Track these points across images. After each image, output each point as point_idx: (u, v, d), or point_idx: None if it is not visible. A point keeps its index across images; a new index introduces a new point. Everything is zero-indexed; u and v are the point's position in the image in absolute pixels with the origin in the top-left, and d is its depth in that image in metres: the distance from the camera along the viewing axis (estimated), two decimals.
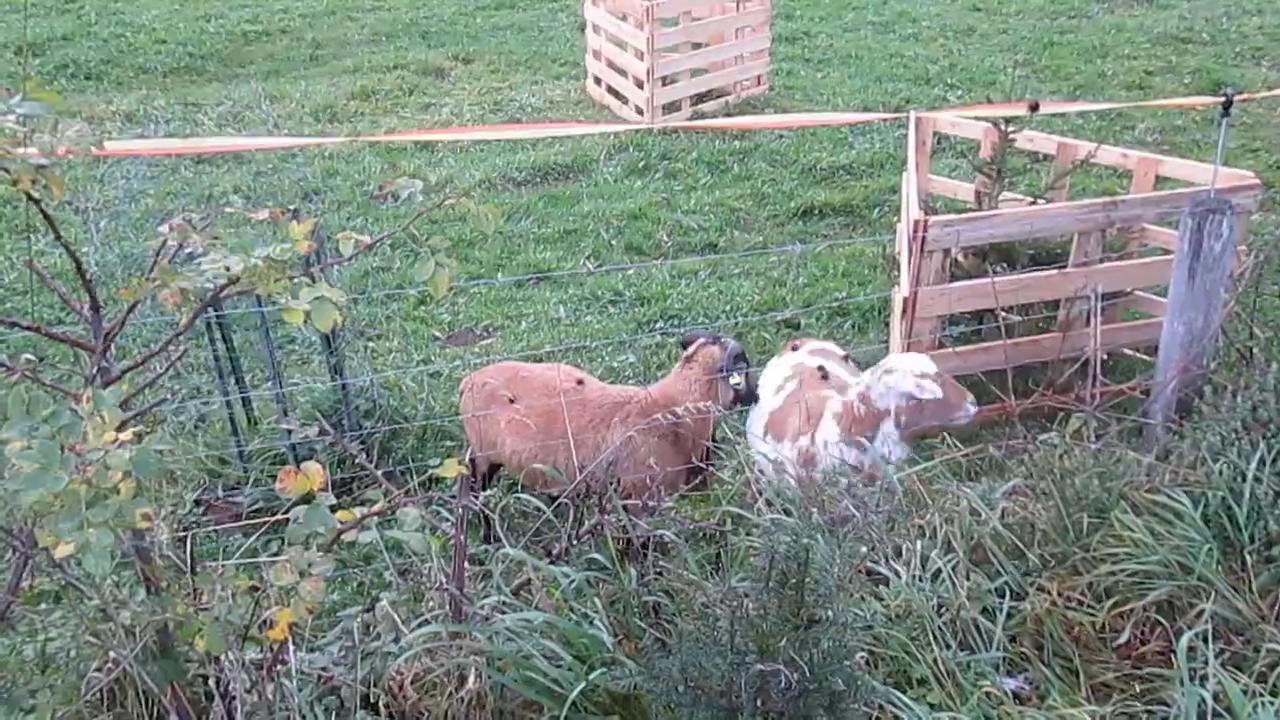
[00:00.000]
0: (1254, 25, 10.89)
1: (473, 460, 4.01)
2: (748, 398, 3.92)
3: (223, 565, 2.50)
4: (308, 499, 2.05)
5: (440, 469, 2.12)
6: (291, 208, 4.47)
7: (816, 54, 10.68)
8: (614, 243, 7.07)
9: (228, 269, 1.86)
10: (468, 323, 6.27)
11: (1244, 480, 2.90)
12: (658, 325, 6.04)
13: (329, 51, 11.45)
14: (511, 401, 4.00)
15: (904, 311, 4.74)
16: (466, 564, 2.72)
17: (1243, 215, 4.78)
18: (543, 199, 7.73)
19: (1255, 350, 3.33)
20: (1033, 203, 5.17)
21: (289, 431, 4.75)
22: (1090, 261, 4.77)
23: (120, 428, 1.70)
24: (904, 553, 2.87)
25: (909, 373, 3.55)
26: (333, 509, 2.02)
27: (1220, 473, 2.94)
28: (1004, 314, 5.12)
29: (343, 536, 2.19)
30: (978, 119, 5.60)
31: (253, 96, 9.75)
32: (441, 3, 13.20)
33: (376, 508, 2.05)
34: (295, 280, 1.91)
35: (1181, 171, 5.15)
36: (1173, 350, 3.32)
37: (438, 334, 6.16)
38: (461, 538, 2.42)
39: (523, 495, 3.26)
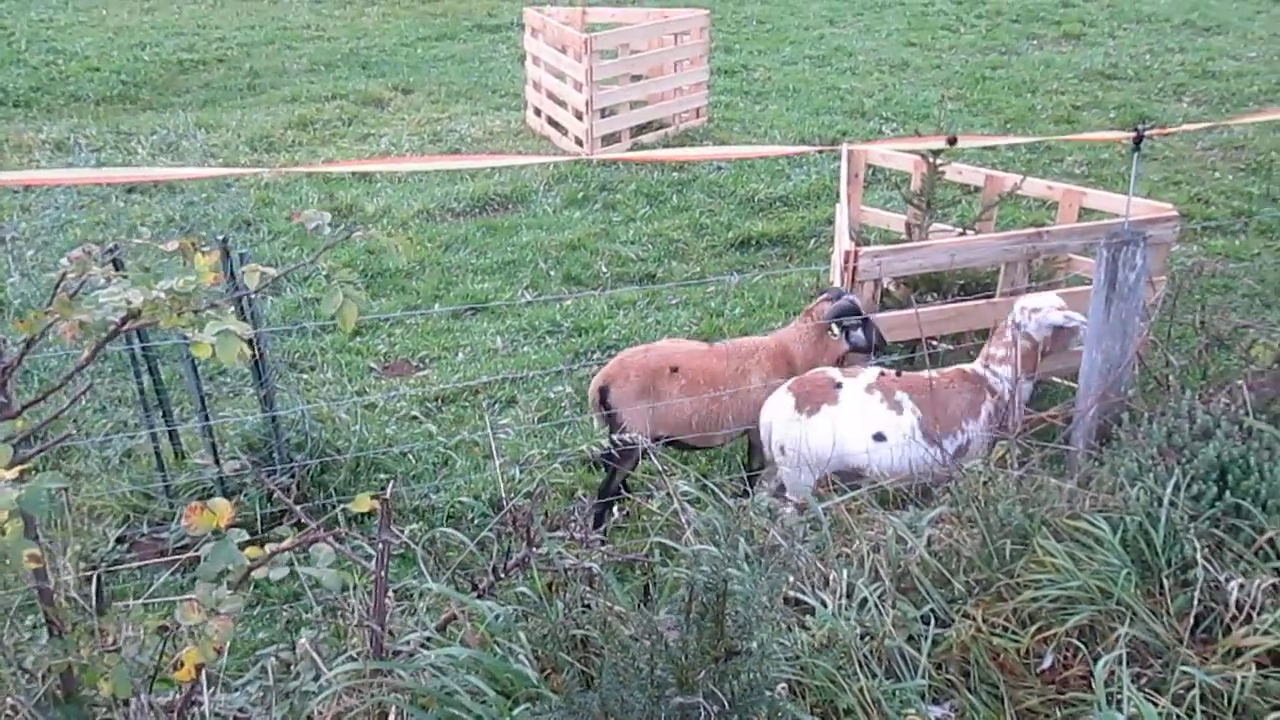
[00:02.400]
0: (1176, 62, 11.25)
1: (626, 447, 4.32)
2: (868, 348, 4.37)
3: (130, 605, 2.42)
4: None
5: (354, 504, 2.08)
6: (220, 238, 4.43)
7: (755, 87, 10.83)
8: (552, 273, 7.07)
9: (129, 302, 1.82)
10: (404, 354, 6.21)
11: (1160, 505, 2.96)
12: (594, 356, 6.03)
13: (267, 81, 11.37)
14: (674, 371, 4.41)
15: None
16: (392, 599, 2.67)
17: (1162, 246, 4.92)
18: (481, 229, 7.71)
19: (1171, 378, 3.41)
20: (961, 234, 5.26)
21: (217, 465, 4.67)
22: (1017, 291, 4.86)
23: (11, 465, 1.65)
24: (831, 582, 2.88)
25: (1053, 308, 4.03)
26: (246, 544, 1.98)
27: (1137, 498, 2.99)
28: (936, 343, 5.19)
29: (273, 573, 2.14)
30: (909, 151, 5.70)
31: (187, 125, 9.63)
32: (382, 33, 13.21)
33: (285, 544, 2.01)
34: (200, 314, 1.87)
35: (1104, 203, 5.29)
36: (1092, 378, 3.39)
37: (373, 365, 6.09)
38: (382, 573, 2.38)
39: (448, 530, 3.22)
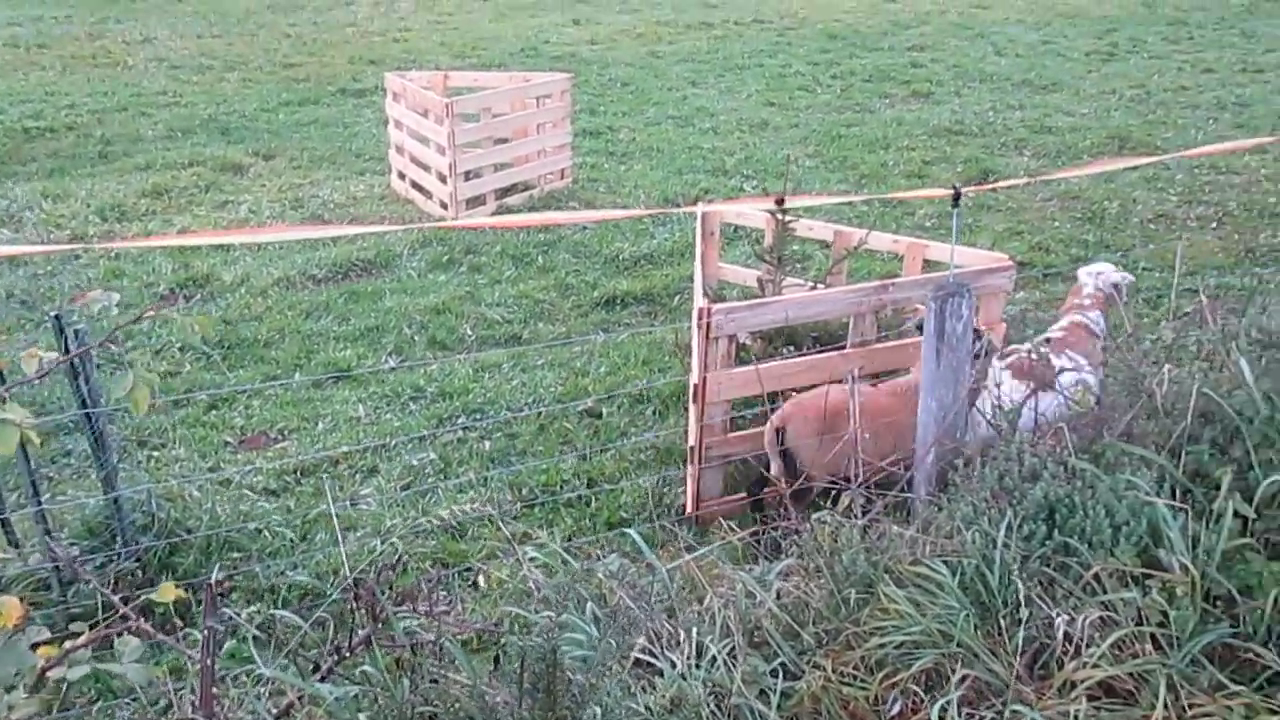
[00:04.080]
0: (1016, 119, 11.89)
1: (799, 485, 4.39)
2: (980, 355, 4.43)
3: None
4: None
5: (159, 593, 1.99)
6: (53, 314, 4.24)
7: (620, 147, 11.01)
8: (417, 338, 6.99)
9: None
10: (262, 426, 6.03)
11: (995, 547, 3.06)
12: (459, 421, 5.97)
13: (120, 148, 11.04)
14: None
15: (695, 396, 4.84)
16: (228, 686, 2.56)
17: (1000, 295, 5.15)
18: (344, 295, 7.59)
19: (1004, 423, 3.56)
20: (813, 288, 5.41)
21: (51, 553, 4.43)
22: (867, 341, 5.02)
23: None
24: (681, 641, 2.88)
25: (1111, 269, 5.34)
26: (47, 642, 1.87)
27: (973, 541, 3.09)
28: (794, 394, 5.31)
29: (71, 673, 2.02)
30: (755, 210, 5.86)
31: (32, 195, 9.26)
32: (242, 99, 13.00)
33: (82, 640, 1.91)
34: None
35: (946, 254, 5.51)
36: (929, 426, 3.52)
37: (229, 439, 5.90)
38: (209, 662, 2.28)
39: (284, 613, 3.11)
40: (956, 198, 3.51)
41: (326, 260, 8.09)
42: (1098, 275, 5.38)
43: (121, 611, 2.00)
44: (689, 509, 5.01)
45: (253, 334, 7.01)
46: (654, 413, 6.00)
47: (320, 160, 10.68)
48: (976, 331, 4.49)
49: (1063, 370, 4.39)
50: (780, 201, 4.04)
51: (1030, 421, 3.83)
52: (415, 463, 5.58)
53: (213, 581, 2.16)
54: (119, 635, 1.95)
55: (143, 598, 2.16)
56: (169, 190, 9.64)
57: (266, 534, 4.95)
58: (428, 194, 9.17)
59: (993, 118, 11.95)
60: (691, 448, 4.95)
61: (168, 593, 2.01)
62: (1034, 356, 4.46)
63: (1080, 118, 11.89)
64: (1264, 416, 3.24)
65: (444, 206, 8.90)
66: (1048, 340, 4.96)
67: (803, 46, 15.98)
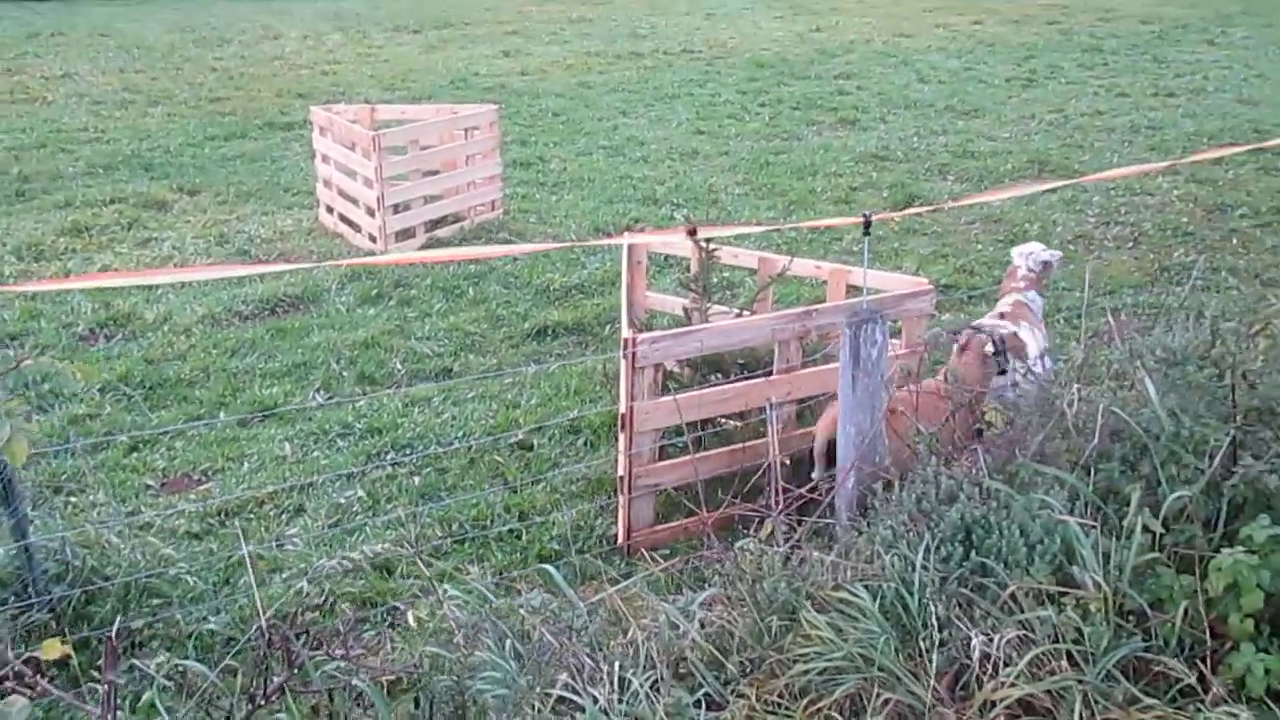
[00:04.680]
0: (940, 144, 12.14)
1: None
2: (1003, 369, 4.85)
3: None
4: None
5: (43, 650, 1.93)
6: None
7: (551, 178, 11.03)
8: (345, 373, 6.91)
9: None
10: (185, 467, 5.90)
11: (913, 569, 3.10)
12: (388, 456, 5.90)
13: (38, 186, 10.79)
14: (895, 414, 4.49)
15: (623, 426, 4.84)
16: None
17: (922, 318, 5.24)
18: (270, 332, 7.48)
19: (921, 445, 3.61)
20: (738, 315, 5.46)
21: None
22: (792, 368, 5.06)
23: None
24: (604, 675, 2.87)
25: (1040, 247, 5.73)
26: None
27: (893, 564, 3.13)
28: (726, 420, 5.34)
29: None
30: (679, 238, 5.89)
31: None
32: (167, 134, 12.81)
33: None
34: None
35: (870, 280, 5.59)
36: (848, 451, 3.55)
37: (150, 482, 5.76)
38: (110, 718, 2.21)
39: (191, 663, 3.03)
40: (867, 226, 3.56)
41: (253, 296, 7.97)
42: (1028, 255, 5.71)
43: (14, 667, 1.94)
44: (620, 539, 4.99)
45: (176, 373, 6.87)
46: (585, 443, 5.98)
47: (247, 195, 10.55)
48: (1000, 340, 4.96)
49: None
50: (692, 232, 4.07)
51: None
52: (343, 500, 5.50)
53: (113, 635, 2.10)
54: (5, 695, 1.88)
55: (26, 654, 2.09)
56: (89, 228, 9.45)
57: (188, 579, 4.83)
58: (356, 228, 9.10)
59: (917, 143, 12.19)
60: (621, 477, 4.95)
61: (51, 650, 1.95)
62: (1003, 333, 4.91)
63: (1001, 142, 12.18)
64: (1170, 433, 3.33)
65: (373, 240, 8.84)
66: (1002, 316, 5.37)
67: (731, 75, 16.18)
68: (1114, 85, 15.06)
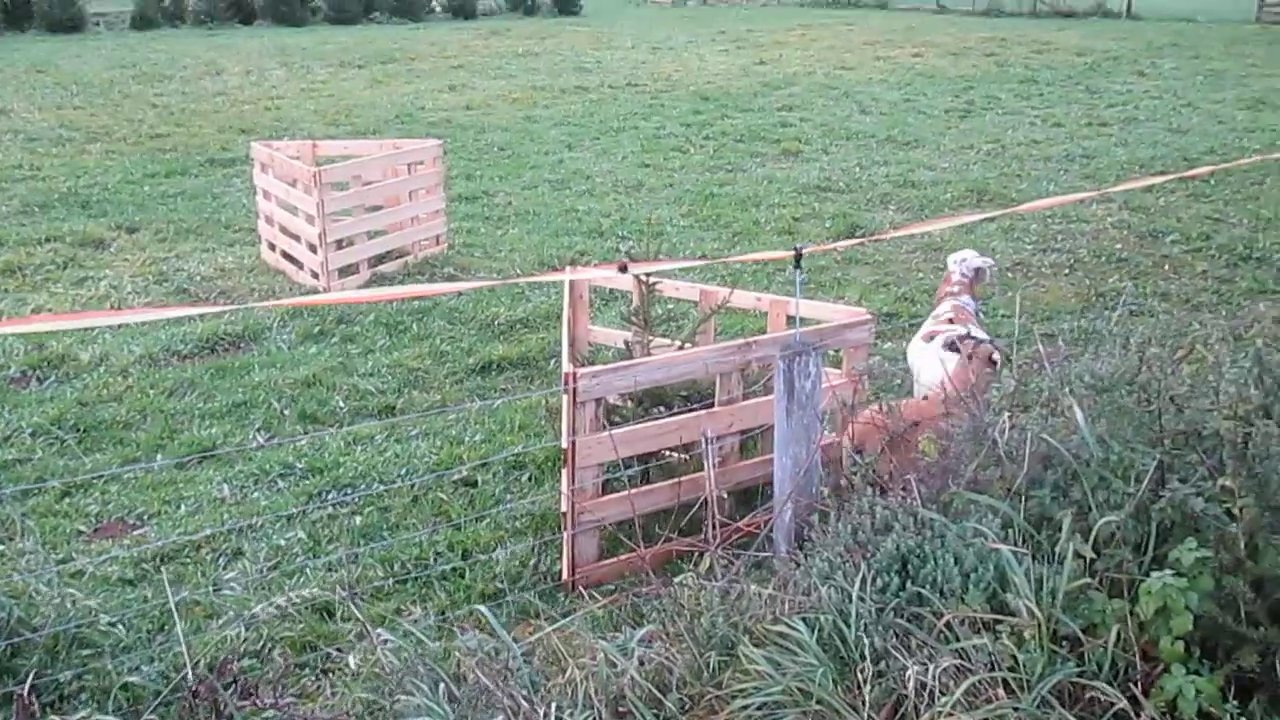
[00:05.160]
0: (882, 175, 12.33)
1: None
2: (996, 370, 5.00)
3: None
4: None
5: None
6: None
7: (496, 211, 11.03)
8: (286, 412, 6.81)
9: None
10: (119, 512, 5.76)
11: (850, 601, 3.11)
12: (329, 496, 5.81)
13: None
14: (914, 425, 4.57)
15: (566, 461, 4.82)
16: None
17: (861, 348, 5.28)
18: (210, 371, 7.36)
19: (857, 477, 3.63)
20: (680, 348, 5.47)
21: None
22: (734, 400, 5.07)
23: None
24: (540, 717, 2.83)
25: (973, 254, 6.16)
26: None
27: (829, 596, 3.13)
28: (671, 453, 5.32)
29: None
30: (617, 274, 5.90)
31: None
32: (105, 171, 12.64)
33: None
34: None
35: (809, 311, 5.63)
36: (785, 483, 3.56)
37: (82, 528, 5.62)
38: None
39: (108, 718, 2.95)
40: (798, 259, 3.60)
41: (192, 335, 7.85)
42: (962, 261, 6.10)
43: None
44: (565, 575, 4.95)
45: (111, 415, 6.73)
46: (530, 478, 5.94)
47: (187, 232, 10.42)
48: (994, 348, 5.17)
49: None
50: (623, 268, 4.09)
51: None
52: (283, 542, 5.39)
53: (24, 692, 2.03)
54: None
55: None
56: (23, 268, 9.27)
57: (119, 628, 4.70)
58: (299, 264, 9.01)
59: (859, 174, 12.37)
60: (564, 513, 4.91)
61: None
62: (963, 337, 5.19)
63: (941, 172, 12.40)
64: (1099, 459, 3.38)
65: (315, 276, 8.76)
66: (950, 321, 5.71)
67: (676, 108, 16.34)
68: (1049, 115, 15.42)
